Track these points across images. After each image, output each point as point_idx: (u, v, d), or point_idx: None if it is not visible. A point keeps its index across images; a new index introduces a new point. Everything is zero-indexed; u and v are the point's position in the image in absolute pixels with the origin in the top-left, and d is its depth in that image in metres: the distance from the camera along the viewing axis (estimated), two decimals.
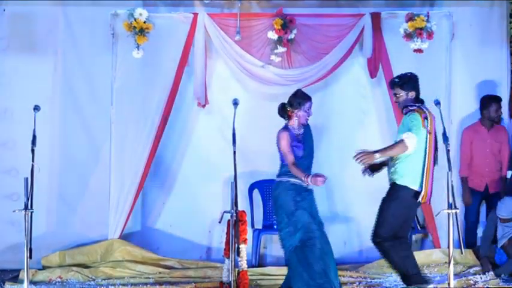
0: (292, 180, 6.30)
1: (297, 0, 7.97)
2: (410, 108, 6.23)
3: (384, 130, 7.98)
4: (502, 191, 7.79)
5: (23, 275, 6.41)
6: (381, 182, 6.46)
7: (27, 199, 6.08)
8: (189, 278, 7.30)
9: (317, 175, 6.18)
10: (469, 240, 7.83)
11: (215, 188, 7.95)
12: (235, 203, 6.01)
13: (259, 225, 7.95)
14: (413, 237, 7.95)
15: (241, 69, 7.82)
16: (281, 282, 6.59)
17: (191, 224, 8.04)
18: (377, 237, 6.24)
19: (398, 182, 6.20)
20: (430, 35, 7.66)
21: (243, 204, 7.40)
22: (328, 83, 8.03)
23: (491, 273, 7.18)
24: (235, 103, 6.30)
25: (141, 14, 7.66)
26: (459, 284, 6.86)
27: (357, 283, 7.14)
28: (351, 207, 8.02)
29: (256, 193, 7.97)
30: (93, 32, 7.99)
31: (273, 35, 7.73)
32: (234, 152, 6.07)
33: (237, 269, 6.25)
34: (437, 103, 6.23)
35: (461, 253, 6.47)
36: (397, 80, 6.41)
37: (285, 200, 6.28)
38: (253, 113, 7.74)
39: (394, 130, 7.36)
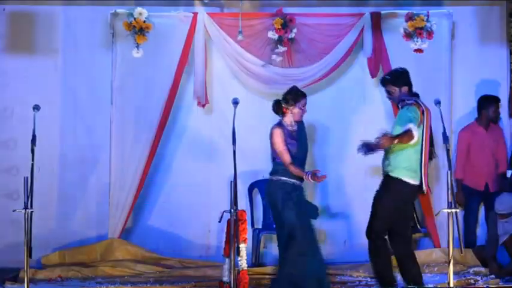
0: (283, 178, 6.28)
1: None
2: (408, 101, 6.22)
3: (383, 130, 7.95)
4: (501, 189, 7.78)
5: (23, 274, 6.40)
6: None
7: (27, 198, 6.08)
8: (189, 277, 7.29)
9: (316, 172, 6.17)
10: (468, 240, 7.82)
11: (215, 187, 7.95)
12: (235, 202, 5.99)
13: (259, 224, 7.96)
14: (413, 236, 7.96)
15: (242, 68, 7.82)
16: None
17: (191, 224, 8.05)
18: (372, 232, 6.24)
19: (391, 174, 6.20)
20: (430, 34, 7.67)
21: (242, 204, 7.40)
22: (328, 82, 8.03)
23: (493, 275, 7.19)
24: (235, 102, 6.29)
25: (141, 13, 7.67)
26: (459, 284, 6.86)
27: (357, 282, 7.14)
28: (351, 207, 8.02)
29: (256, 192, 7.97)
30: (93, 32, 8.00)
31: (273, 35, 7.74)
32: (234, 152, 6.07)
33: (236, 269, 6.24)
34: (438, 103, 6.23)
35: (461, 252, 6.47)
36: (388, 77, 6.40)
37: (275, 199, 6.28)
38: (253, 113, 7.74)
39: None
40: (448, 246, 5.82)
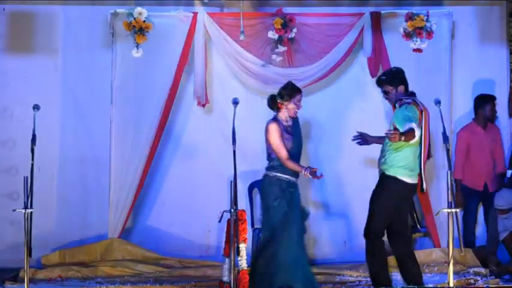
0: (279, 175, 6.29)
1: None
2: (406, 100, 6.22)
3: (383, 130, 7.94)
4: (500, 187, 7.79)
5: (23, 274, 6.39)
6: None
7: (27, 198, 6.07)
8: (189, 277, 7.30)
9: (314, 170, 6.18)
10: (467, 240, 7.81)
11: (215, 187, 7.95)
12: (234, 202, 5.99)
13: (259, 224, 7.92)
14: (413, 236, 7.96)
15: (242, 68, 7.82)
16: None
17: (191, 223, 8.04)
18: (370, 232, 6.24)
19: (387, 173, 6.21)
20: (429, 34, 7.67)
21: (242, 204, 7.39)
22: (328, 82, 8.03)
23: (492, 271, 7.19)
24: (235, 102, 6.29)
25: (141, 13, 7.67)
26: (459, 284, 6.86)
27: (357, 282, 7.14)
28: (350, 206, 8.01)
29: (255, 192, 7.96)
30: (92, 31, 7.99)
31: (273, 35, 7.74)
32: (234, 151, 6.06)
33: (236, 269, 6.24)
34: (438, 102, 6.22)
35: (461, 252, 6.47)
36: (383, 77, 6.40)
37: (267, 194, 6.29)
38: (253, 112, 7.74)
39: None
40: (448, 246, 5.82)
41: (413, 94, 6.29)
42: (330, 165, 7.75)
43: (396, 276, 6.57)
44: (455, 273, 6.42)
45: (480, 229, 7.99)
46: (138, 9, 7.68)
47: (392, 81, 6.30)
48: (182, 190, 8.06)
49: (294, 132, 6.38)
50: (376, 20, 7.76)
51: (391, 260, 6.45)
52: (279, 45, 7.76)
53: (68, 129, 8.05)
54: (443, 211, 5.85)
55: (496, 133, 7.98)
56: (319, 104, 8.02)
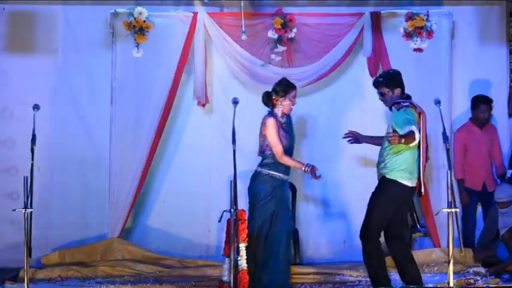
0: (272, 172, 6.30)
1: None
2: (403, 104, 6.21)
3: (383, 130, 7.94)
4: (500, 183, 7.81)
5: (23, 274, 6.39)
6: None
7: (27, 198, 6.06)
8: (189, 277, 7.30)
9: (315, 169, 6.18)
10: (467, 240, 7.82)
11: (215, 187, 7.94)
12: (234, 202, 6.00)
13: None
14: (413, 236, 7.96)
15: (241, 68, 7.82)
16: None
17: (191, 223, 8.04)
18: (367, 233, 6.24)
19: (388, 176, 6.21)
20: (429, 34, 7.67)
21: (242, 204, 7.37)
22: (328, 82, 8.03)
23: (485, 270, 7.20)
24: (235, 102, 6.29)
25: (141, 13, 7.67)
26: (459, 283, 6.86)
27: (357, 282, 7.14)
28: (350, 206, 8.01)
29: None
30: (92, 31, 7.99)
31: (273, 34, 7.75)
32: (234, 151, 6.06)
33: (236, 268, 6.24)
34: (438, 102, 6.22)
35: (461, 252, 6.47)
36: (381, 79, 6.40)
37: (258, 192, 6.31)
38: (253, 112, 7.72)
39: None
40: (448, 246, 5.82)
41: (409, 97, 6.30)
42: (329, 165, 7.74)
43: (395, 276, 6.57)
44: (455, 273, 6.42)
45: (480, 229, 7.98)
46: (138, 9, 7.68)
47: (389, 83, 6.30)
48: (182, 190, 8.06)
49: (288, 130, 6.40)
50: (376, 20, 7.76)
51: (389, 260, 6.45)
52: (278, 45, 7.76)
53: (68, 129, 8.04)
54: (443, 211, 5.85)
55: (493, 132, 7.99)
56: (318, 104, 8.02)
